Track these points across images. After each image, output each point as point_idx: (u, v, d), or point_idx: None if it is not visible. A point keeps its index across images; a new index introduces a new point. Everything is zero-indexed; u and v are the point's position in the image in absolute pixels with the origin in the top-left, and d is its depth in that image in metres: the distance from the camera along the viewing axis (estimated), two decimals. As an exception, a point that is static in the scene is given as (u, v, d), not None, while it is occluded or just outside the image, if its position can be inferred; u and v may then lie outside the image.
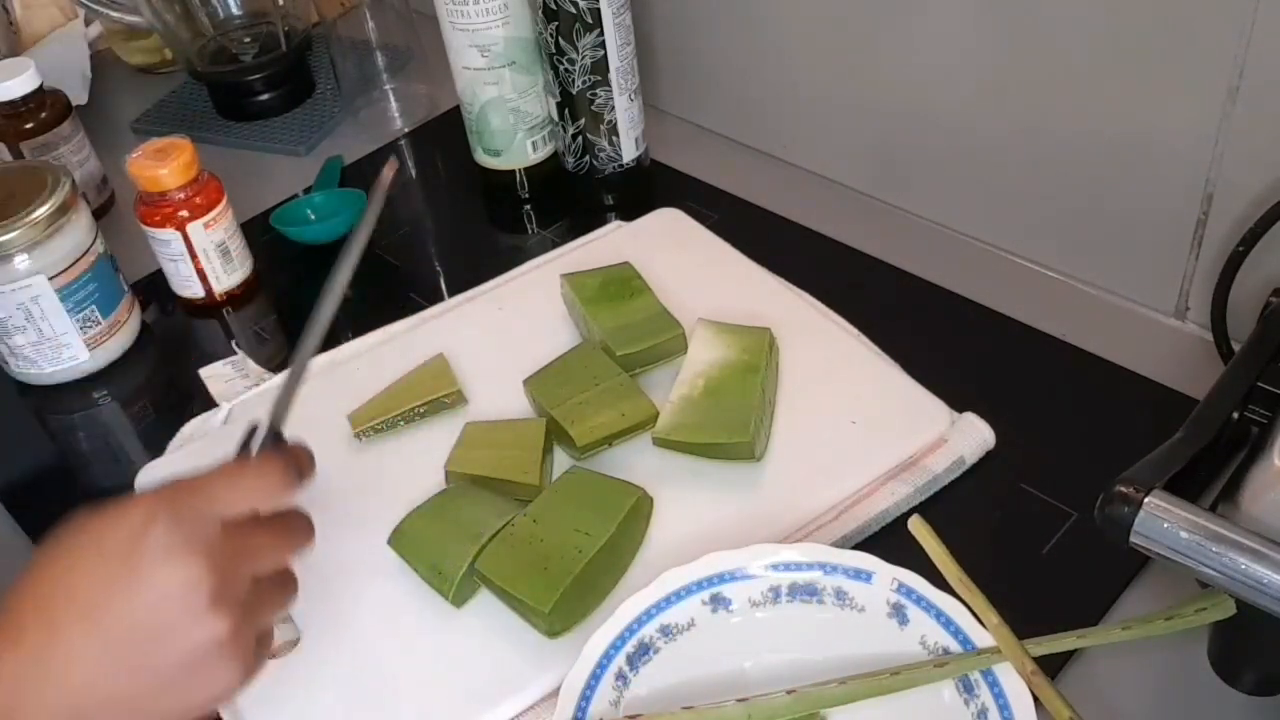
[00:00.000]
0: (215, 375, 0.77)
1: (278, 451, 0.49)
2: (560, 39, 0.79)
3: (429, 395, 0.68)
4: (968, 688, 0.50)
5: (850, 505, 0.61)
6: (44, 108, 0.90)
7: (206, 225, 0.80)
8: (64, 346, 0.77)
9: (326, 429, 0.67)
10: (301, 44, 1.05)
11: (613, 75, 0.81)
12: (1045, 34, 0.67)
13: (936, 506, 0.61)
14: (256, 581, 0.46)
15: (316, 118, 1.04)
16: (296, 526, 0.49)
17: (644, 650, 0.53)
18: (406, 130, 1.01)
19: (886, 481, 0.62)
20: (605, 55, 0.80)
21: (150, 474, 0.68)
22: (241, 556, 0.44)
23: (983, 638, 0.51)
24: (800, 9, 0.80)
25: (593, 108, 0.83)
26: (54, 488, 0.74)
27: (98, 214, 0.89)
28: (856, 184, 0.86)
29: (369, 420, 0.68)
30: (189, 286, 0.83)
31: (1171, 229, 0.68)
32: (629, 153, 0.86)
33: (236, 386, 0.75)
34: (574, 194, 0.88)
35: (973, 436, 0.64)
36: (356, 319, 0.78)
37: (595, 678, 0.51)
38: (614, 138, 0.85)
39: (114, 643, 0.41)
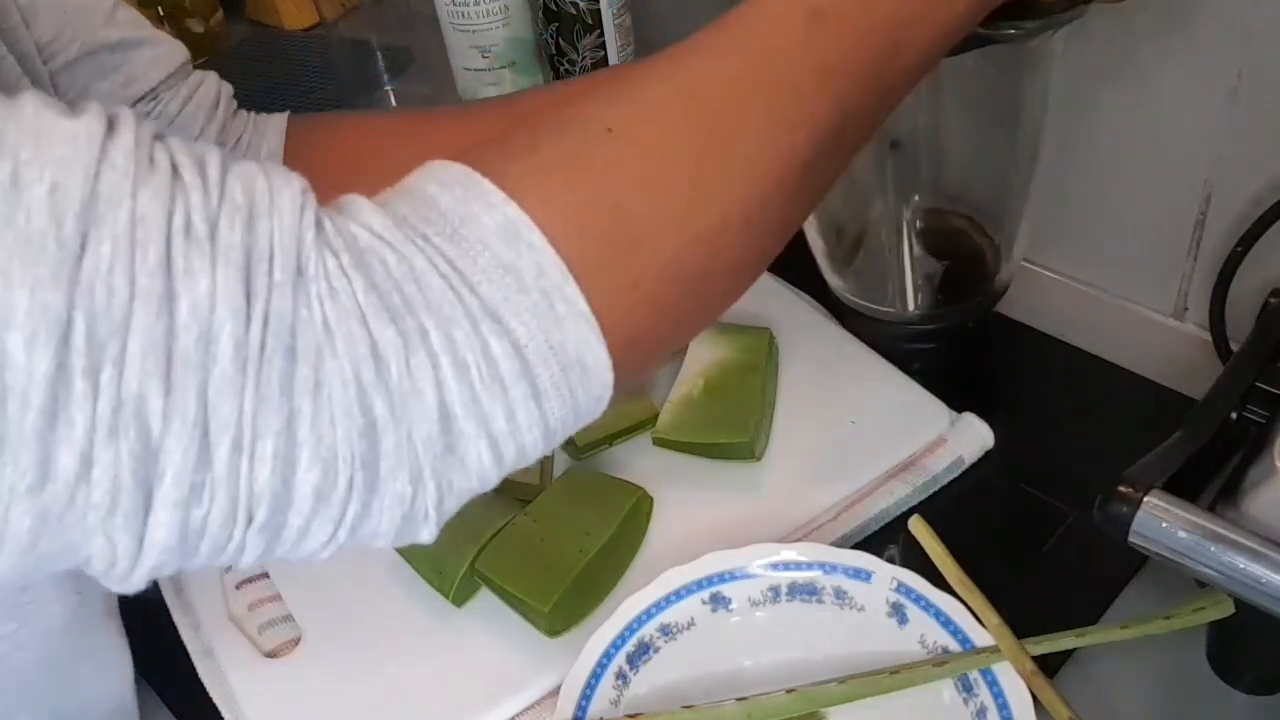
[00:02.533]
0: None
1: None
2: (561, 40, 0.80)
3: (429, 395, 0.68)
4: (967, 687, 0.50)
5: (850, 505, 0.61)
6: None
7: (207, 225, 0.80)
8: (65, 346, 0.77)
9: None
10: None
11: (613, 76, 0.82)
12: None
13: (936, 506, 0.61)
14: None
15: (317, 118, 1.04)
16: None
17: (644, 649, 0.53)
18: (407, 131, 1.01)
19: (886, 481, 0.62)
20: (605, 56, 0.80)
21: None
22: None
23: (982, 637, 0.51)
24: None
25: (593, 108, 0.83)
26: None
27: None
28: (856, 184, 0.86)
29: (369, 420, 0.68)
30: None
31: (1170, 229, 0.68)
32: (629, 153, 0.86)
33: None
34: (574, 194, 0.88)
35: (972, 436, 0.64)
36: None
37: (595, 677, 0.51)
38: (614, 138, 0.85)
39: None
